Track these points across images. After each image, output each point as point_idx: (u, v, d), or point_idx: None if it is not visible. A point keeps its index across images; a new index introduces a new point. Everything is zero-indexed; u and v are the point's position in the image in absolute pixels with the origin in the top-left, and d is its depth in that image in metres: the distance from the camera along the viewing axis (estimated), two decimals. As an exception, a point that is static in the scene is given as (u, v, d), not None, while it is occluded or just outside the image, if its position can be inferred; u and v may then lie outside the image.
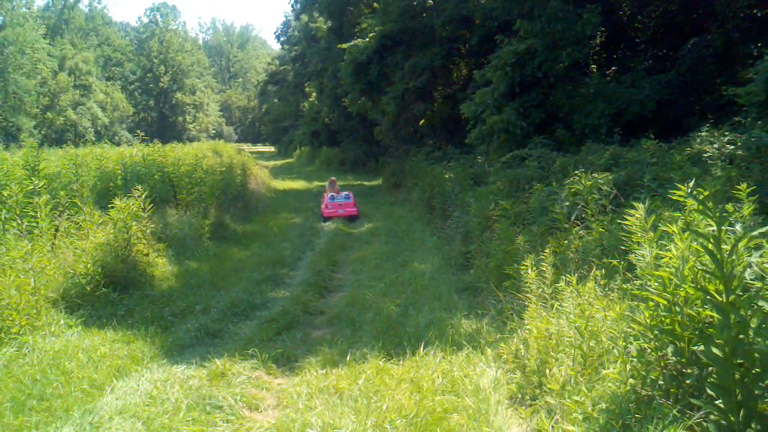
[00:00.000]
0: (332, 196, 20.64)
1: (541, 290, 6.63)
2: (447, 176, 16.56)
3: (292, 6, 54.40)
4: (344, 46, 27.32)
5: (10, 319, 7.46)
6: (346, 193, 21.35)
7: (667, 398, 4.34)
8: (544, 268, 6.67)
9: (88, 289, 9.30)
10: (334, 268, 12.70)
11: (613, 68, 18.37)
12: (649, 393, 4.47)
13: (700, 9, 16.03)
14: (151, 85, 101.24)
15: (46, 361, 6.83)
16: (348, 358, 7.11)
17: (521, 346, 6.40)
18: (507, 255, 8.67)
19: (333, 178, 23.06)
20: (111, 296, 9.56)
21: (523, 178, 11.98)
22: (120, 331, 8.13)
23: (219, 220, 16.42)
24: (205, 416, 5.73)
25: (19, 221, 9.48)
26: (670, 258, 4.53)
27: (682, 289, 4.34)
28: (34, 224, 9.78)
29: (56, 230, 10.25)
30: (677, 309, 4.37)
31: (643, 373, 4.59)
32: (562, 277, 6.33)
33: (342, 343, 7.77)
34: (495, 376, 6.16)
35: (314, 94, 49.34)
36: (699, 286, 4.13)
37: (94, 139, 67.82)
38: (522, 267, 7.00)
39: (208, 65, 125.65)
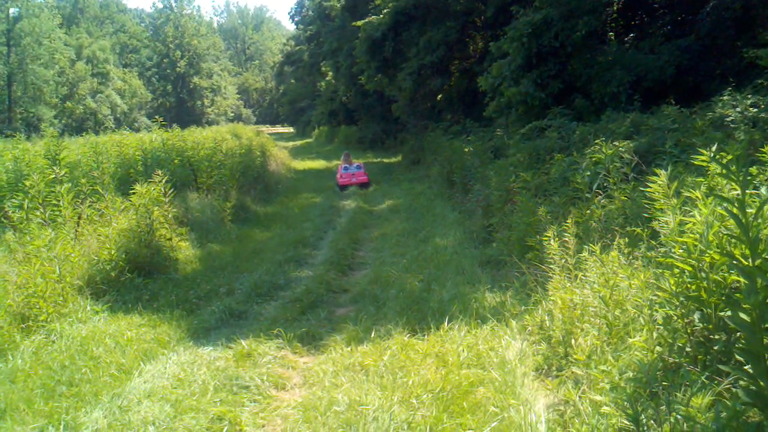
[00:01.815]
0: (345, 167, 22.92)
1: (564, 261, 6.60)
2: (466, 150, 16.49)
3: (306, -15, 54.14)
4: (359, 23, 27.17)
5: (37, 307, 7.52)
6: (357, 164, 23.61)
7: (695, 365, 4.30)
8: (566, 239, 6.63)
9: (113, 274, 9.37)
10: (356, 246, 12.70)
11: (631, 35, 18.15)
12: (677, 360, 4.44)
13: (719, -29, 15.76)
14: (168, 71, 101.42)
15: (74, 347, 6.89)
16: (372, 335, 7.11)
17: (546, 318, 6.37)
18: (529, 227, 8.63)
19: (347, 152, 25.29)
20: (136, 281, 9.62)
21: (543, 149, 11.91)
22: (146, 316, 8.18)
23: (240, 202, 16.46)
24: (232, 397, 5.77)
25: (42, 210, 9.54)
26: (695, 224, 4.49)
27: (707, 254, 4.29)
28: (57, 213, 9.84)
29: (79, 218, 10.31)
30: (703, 275, 4.32)
31: (670, 340, 4.56)
32: (585, 247, 6.29)
33: (366, 320, 7.76)
34: (520, 348, 6.14)
35: (330, 74, 49.13)
36: (724, 251, 4.08)
37: (113, 126, 68.38)
38: (544, 238, 6.97)
39: (224, 48, 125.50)
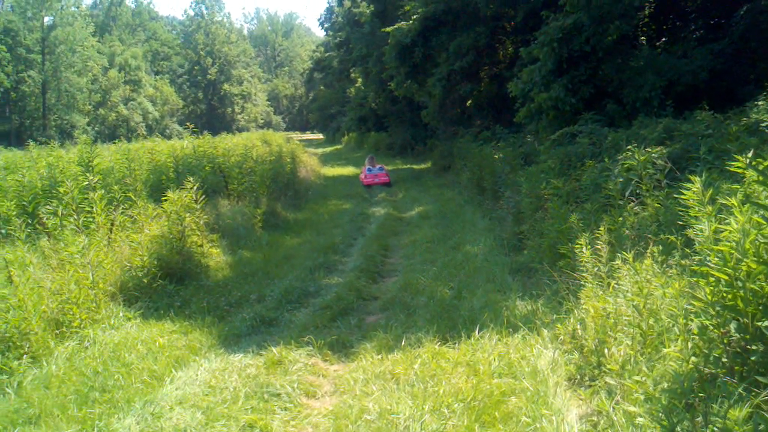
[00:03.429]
0: (369, 168, 25.41)
1: (596, 269, 6.52)
2: (496, 156, 16.40)
3: (335, -8, 54.31)
4: (388, 29, 27.18)
5: (71, 313, 7.62)
6: (380, 166, 26.04)
7: (732, 376, 4.23)
8: (599, 246, 6.56)
9: (145, 281, 9.45)
10: (386, 253, 12.70)
11: (663, 39, 17.95)
12: (713, 371, 4.36)
13: (753, -26, 15.55)
14: (199, 78, 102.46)
15: (107, 353, 6.97)
16: (403, 343, 7.10)
17: (578, 327, 6.31)
18: (560, 234, 8.55)
19: (371, 155, 28.09)
20: (168, 288, 9.69)
21: (575, 155, 11.81)
22: (177, 322, 8.25)
23: (270, 208, 16.52)
24: (263, 404, 5.78)
25: (75, 217, 9.64)
26: (730, 231, 4.41)
27: (743, 263, 4.21)
28: (90, 219, 9.94)
29: (112, 224, 10.40)
30: (739, 284, 4.24)
31: (706, 350, 4.48)
32: (618, 254, 6.21)
33: (396, 327, 7.74)
34: (552, 357, 6.09)
35: (360, 80, 49.34)
36: (762, 260, 4.01)
37: (145, 133, 69.20)
38: (576, 246, 6.89)
39: (254, 55, 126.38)
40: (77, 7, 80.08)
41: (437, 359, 6.52)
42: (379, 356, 6.84)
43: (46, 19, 72.22)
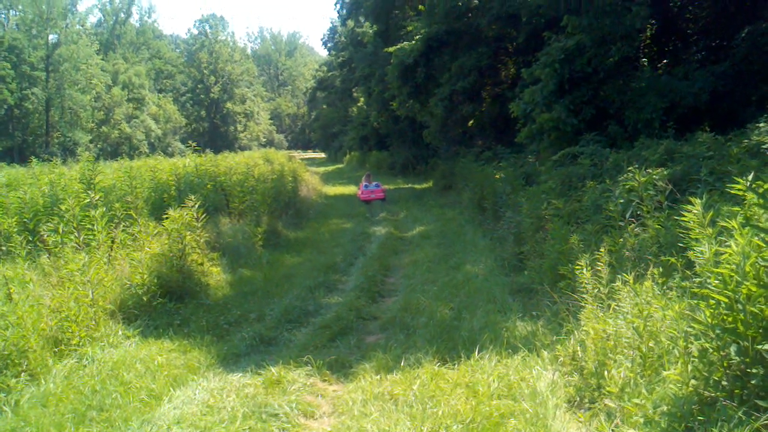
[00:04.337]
0: (365, 185, 26.13)
1: (596, 290, 6.51)
2: (498, 176, 16.43)
3: (338, 12, 54.43)
4: (391, 49, 27.35)
5: (70, 331, 7.60)
6: (376, 183, 26.87)
7: (732, 399, 4.21)
8: (599, 268, 6.55)
9: (145, 299, 9.43)
10: (386, 273, 12.67)
11: (665, 61, 18.02)
12: (713, 394, 4.34)
13: (754, -3, 15.63)
14: (202, 96, 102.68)
15: (105, 371, 6.95)
16: (402, 364, 7.07)
17: (578, 348, 6.29)
18: (561, 255, 8.54)
19: (368, 173, 29.09)
20: (167, 306, 9.67)
21: (576, 176, 11.82)
22: (176, 341, 8.22)
23: (271, 227, 16.51)
24: (261, 424, 5.74)
25: (76, 234, 9.64)
26: (731, 254, 4.41)
27: (744, 286, 4.21)
28: (91, 237, 9.94)
29: (112, 242, 10.40)
30: (739, 307, 4.24)
31: (706, 373, 4.46)
32: (619, 276, 6.21)
33: (396, 348, 7.71)
34: (552, 379, 6.06)
35: (362, 99, 49.55)
36: (762, 283, 4.00)
37: (147, 151, 69.43)
38: (577, 267, 6.89)
39: (257, 74, 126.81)
40: (82, 26, 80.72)
41: (436, 380, 6.49)
42: (378, 377, 6.81)
43: (50, 37, 72.66)
